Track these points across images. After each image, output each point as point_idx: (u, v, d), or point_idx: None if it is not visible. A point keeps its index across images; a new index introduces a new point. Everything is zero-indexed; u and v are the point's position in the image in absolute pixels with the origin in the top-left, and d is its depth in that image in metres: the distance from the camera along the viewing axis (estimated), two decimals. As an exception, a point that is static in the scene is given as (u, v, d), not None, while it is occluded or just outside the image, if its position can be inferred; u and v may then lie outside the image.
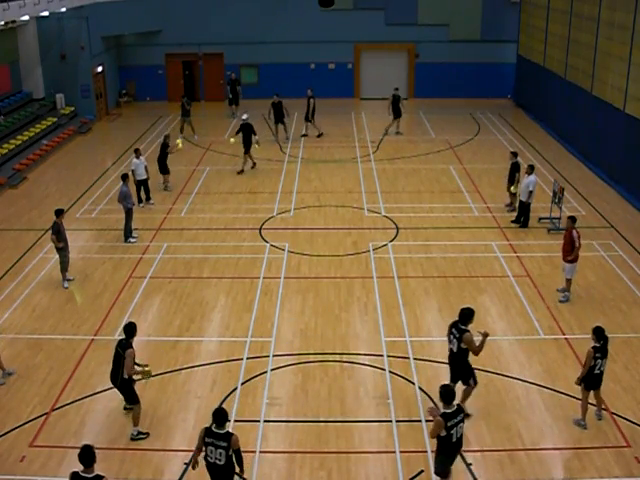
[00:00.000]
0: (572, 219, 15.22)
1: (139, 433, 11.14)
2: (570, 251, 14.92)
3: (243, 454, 9.08)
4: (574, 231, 14.97)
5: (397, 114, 28.24)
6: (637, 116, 21.03)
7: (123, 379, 10.98)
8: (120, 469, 10.41)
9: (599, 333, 11.07)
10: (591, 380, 11.07)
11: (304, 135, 28.61)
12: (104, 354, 13.33)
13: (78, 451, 8.29)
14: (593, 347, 10.99)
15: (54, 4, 25.86)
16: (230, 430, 9.01)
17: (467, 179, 23.19)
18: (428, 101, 34.40)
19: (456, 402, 9.18)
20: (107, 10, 31.08)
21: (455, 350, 11.07)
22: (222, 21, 33.94)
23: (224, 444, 8.79)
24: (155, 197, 21.44)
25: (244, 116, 24.19)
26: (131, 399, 11.18)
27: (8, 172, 23.65)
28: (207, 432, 8.90)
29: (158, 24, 34.10)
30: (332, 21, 33.91)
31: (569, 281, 15.21)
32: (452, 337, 11.08)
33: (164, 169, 22.16)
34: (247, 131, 23.60)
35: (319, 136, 28.52)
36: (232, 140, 24.43)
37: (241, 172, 23.75)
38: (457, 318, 11.12)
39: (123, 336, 11.16)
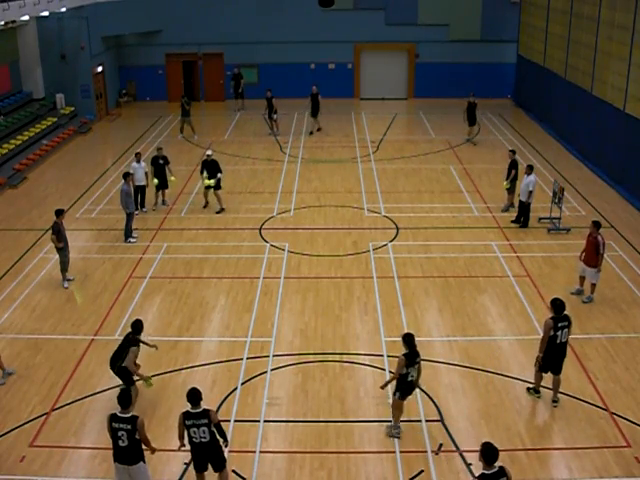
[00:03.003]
0: (596, 224, 15.04)
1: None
2: (595, 257, 14.79)
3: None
4: (599, 237, 14.85)
5: (472, 121, 27.30)
6: (637, 116, 21.03)
7: (121, 367, 11.45)
8: (120, 469, 10.41)
9: (408, 341, 10.66)
10: (407, 389, 10.77)
11: (317, 130, 29.18)
12: (104, 354, 13.33)
13: (117, 393, 9.33)
14: (405, 355, 10.62)
15: (54, 4, 25.88)
16: (206, 407, 9.39)
17: (467, 179, 23.19)
18: (428, 101, 34.40)
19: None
20: (107, 10, 31.10)
21: (565, 340, 11.55)
22: (222, 21, 33.95)
23: (205, 421, 9.22)
24: (145, 222, 19.75)
25: (208, 152, 20.82)
26: (127, 382, 11.57)
27: (8, 172, 23.65)
28: (185, 415, 9.30)
29: (158, 24, 34.10)
30: (332, 21, 33.91)
31: (594, 285, 15.12)
32: (564, 330, 11.47)
33: (164, 183, 20.62)
34: (212, 169, 20.14)
35: (311, 134, 28.93)
36: (207, 182, 20.31)
37: (221, 210, 20.42)
38: (553, 313, 11.53)
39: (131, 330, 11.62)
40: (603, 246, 14.84)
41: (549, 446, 10.89)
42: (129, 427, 9.08)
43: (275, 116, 28.29)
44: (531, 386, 12.04)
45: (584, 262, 15.11)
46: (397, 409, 10.96)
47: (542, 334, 11.67)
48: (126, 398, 9.27)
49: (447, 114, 32.06)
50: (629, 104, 21.62)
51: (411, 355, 10.66)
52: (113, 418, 9.17)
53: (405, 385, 10.75)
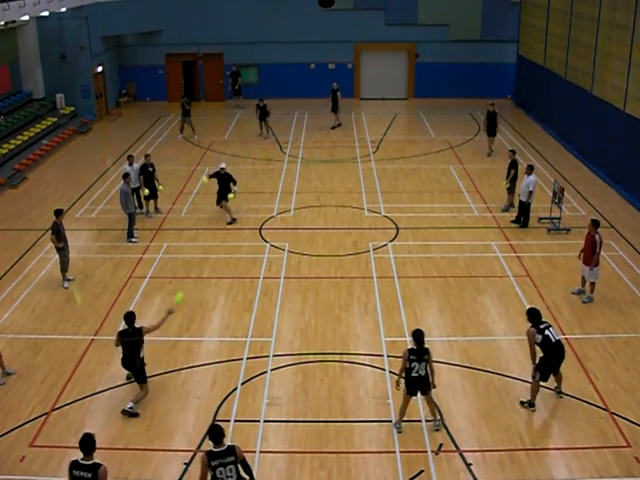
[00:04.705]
0: (595, 223, 15.03)
1: (131, 408, 11.59)
2: (592, 256, 14.80)
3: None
4: (597, 235, 14.83)
5: (490, 132, 25.34)
6: (637, 116, 21.03)
7: (141, 360, 11.62)
8: (120, 469, 10.41)
9: (416, 336, 10.89)
10: (411, 384, 10.91)
11: (338, 125, 29.81)
12: (104, 354, 13.36)
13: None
14: (409, 349, 10.89)
15: (54, 4, 25.87)
16: (229, 443, 8.75)
17: (467, 179, 23.19)
18: (428, 101, 34.41)
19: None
20: (107, 10, 31.09)
21: (559, 338, 11.60)
22: (222, 21, 33.94)
23: (232, 459, 8.52)
24: (144, 223, 19.59)
25: (222, 165, 19.97)
26: (143, 379, 11.75)
27: (8, 172, 23.65)
28: (210, 456, 8.52)
29: (158, 24, 34.11)
30: (332, 21, 33.92)
31: (593, 284, 15.12)
32: (550, 329, 11.51)
33: (154, 193, 19.96)
34: (225, 181, 19.73)
35: (333, 128, 29.67)
36: (205, 179, 20.23)
37: (233, 221, 19.70)
38: (530, 322, 11.56)
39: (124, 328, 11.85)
40: (600, 245, 14.83)
41: (549, 446, 10.89)
42: (89, 476, 8.25)
43: (268, 119, 28.25)
44: (525, 400, 11.81)
45: (582, 261, 15.14)
46: (403, 403, 11.07)
47: (529, 346, 11.57)
48: (89, 443, 8.36)
49: (447, 114, 32.12)
50: (629, 104, 21.62)
51: (415, 351, 10.78)
52: (74, 465, 8.32)
53: (409, 380, 10.86)
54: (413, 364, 10.75)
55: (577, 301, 15.18)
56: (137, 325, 11.74)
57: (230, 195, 19.59)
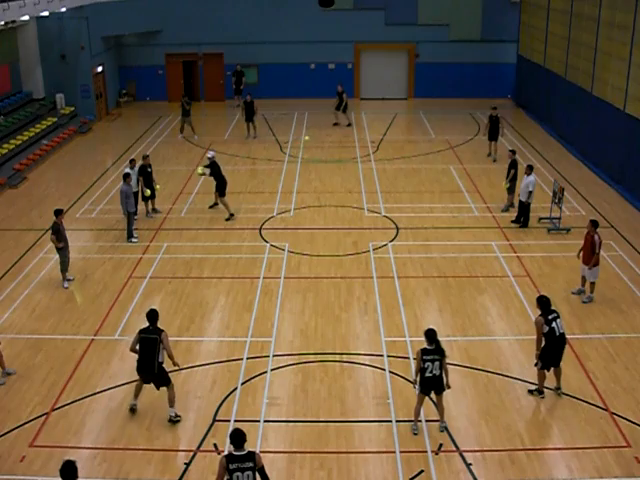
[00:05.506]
0: (594, 223, 15.04)
1: (177, 415, 11.43)
2: (592, 255, 14.81)
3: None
4: (596, 236, 14.83)
5: (492, 135, 24.85)
6: (637, 116, 21.03)
7: (159, 363, 11.22)
8: (120, 469, 10.42)
9: (429, 335, 10.85)
10: (425, 383, 10.89)
11: (335, 124, 30.14)
12: (104, 354, 13.37)
13: (60, 466, 8.25)
14: (422, 349, 10.83)
15: (54, 4, 25.86)
16: (250, 449, 8.63)
17: (467, 179, 23.19)
18: (428, 101, 34.39)
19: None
20: (107, 10, 31.09)
21: (563, 331, 11.66)
22: (222, 21, 33.94)
23: (250, 464, 8.40)
24: (144, 223, 19.55)
25: (209, 154, 20.14)
26: (166, 381, 11.43)
27: (8, 172, 23.65)
28: (229, 458, 8.44)
29: (158, 24, 34.10)
30: (332, 21, 33.92)
31: (593, 284, 15.12)
32: (557, 320, 11.55)
33: (153, 193, 19.91)
34: (217, 171, 19.92)
35: (349, 125, 30.13)
36: (200, 170, 20.11)
37: (231, 217, 19.92)
38: (540, 310, 11.65)
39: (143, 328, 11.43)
40: (599, 245, 14.84)
41: (549, 446, 10.89)
42: None
43: (255, 118, 28.24)
44: (533, 388, 12.02)
45: (582, 261, 15.15)
46: (417, 402, 11.08)
47: (536, 334, 11.67)
48: (70, 471, 8.13)
49: (447, 114, 32.12)
50: (629, 104, 21.62)
51: (429, 350, 10.75)
52: None
53: (423, 379, 10.85)
54: (427, 364, 10.73)
55: (577, 301, 15.19)
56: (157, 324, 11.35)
57: (199, 170, 19.96)
